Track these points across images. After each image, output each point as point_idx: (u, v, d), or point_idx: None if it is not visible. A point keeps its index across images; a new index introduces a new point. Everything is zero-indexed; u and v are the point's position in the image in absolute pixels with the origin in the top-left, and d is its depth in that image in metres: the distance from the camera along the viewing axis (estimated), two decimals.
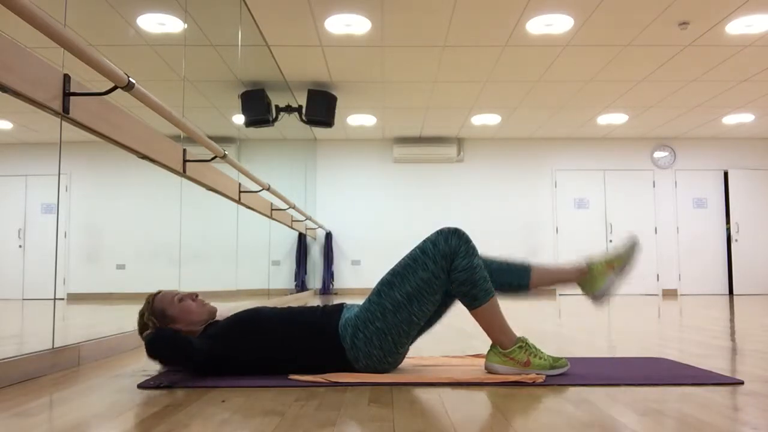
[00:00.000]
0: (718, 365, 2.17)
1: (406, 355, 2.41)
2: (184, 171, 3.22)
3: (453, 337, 3.16)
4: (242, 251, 5.23)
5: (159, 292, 2.03)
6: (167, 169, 3.04)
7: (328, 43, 5.91)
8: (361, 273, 9.98)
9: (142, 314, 2.00)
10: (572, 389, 1.72)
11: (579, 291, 2.06)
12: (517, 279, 2.06)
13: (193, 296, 2.04)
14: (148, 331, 1.95)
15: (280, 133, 7.23)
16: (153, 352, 1.80)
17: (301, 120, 7.09)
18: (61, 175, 2.26)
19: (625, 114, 8.66)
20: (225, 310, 2.18)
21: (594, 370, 2.02)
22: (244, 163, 4.91)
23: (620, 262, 2.05)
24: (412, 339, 1.98)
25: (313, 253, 10.07)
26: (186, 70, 3.64)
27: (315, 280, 10.02)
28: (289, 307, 2.03)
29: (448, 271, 1.90)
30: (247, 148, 5.90)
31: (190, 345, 1.82)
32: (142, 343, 1.98)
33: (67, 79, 2.05)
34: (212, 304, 2.07)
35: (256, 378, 1.85)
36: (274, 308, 2.02)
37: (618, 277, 2.03)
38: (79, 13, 2.50)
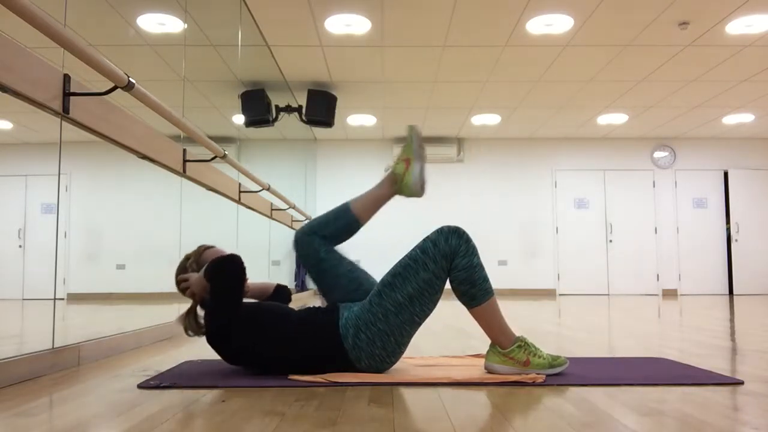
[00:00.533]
0: (718, 365, 2.17)
1: (406, 356, 2.41)
2: (184, 171, 3.22)
3: (453, 337, 3.16)
4: (242, 251, 5.23)
5: (213, 246, 2.14)
6: (167, 169, 3.04)
7: (328, 43, 5.91)
8: None
9: (187, 257, 2.10)
10: (572, 389, 1.72)
11: (403, 198, 2.13)
12: (343, 221, 2.13)
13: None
14: (185, 275, 2.04)
15: (280, 133, 7.23)
16: (218, 272, 1.90)
17: (301, 120, 7.08)
18: (61, 175, 2.26)
19: (625, 114, 8.66)
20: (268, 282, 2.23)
21: (594, 370, 2.02)
22: (244, 163, 4.91)
23: (410, 151, 2.13)
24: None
25: None
26: (186, 70, 3.63)
27: None
28: (289, 307, 2.03)
29: (448, 271, 1.90)
30: (247, 148, 5.90)
31: (241, 296, 1.92)
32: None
33: (67, 79, 2.05)
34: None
35: (256, 378, 1.85)
36: (293, 310, 2.01)
37: (419, 162, 2.11)
38: (79, 13, 2.50)
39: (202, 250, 2.12)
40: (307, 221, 2.28)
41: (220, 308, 1.91)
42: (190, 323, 2.04)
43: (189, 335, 2.06)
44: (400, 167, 2.12)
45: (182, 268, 2.09)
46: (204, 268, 1.97)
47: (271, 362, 1.91)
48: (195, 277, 2.02)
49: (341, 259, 2.08)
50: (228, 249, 2.16)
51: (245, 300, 2.01)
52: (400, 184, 2.12)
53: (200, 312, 2.05)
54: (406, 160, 2.12)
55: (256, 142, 6.31)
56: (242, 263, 1.95)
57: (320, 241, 2.08)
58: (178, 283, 2.07)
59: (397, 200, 9.61)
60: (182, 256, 2.13)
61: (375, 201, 2.14)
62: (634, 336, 3.22)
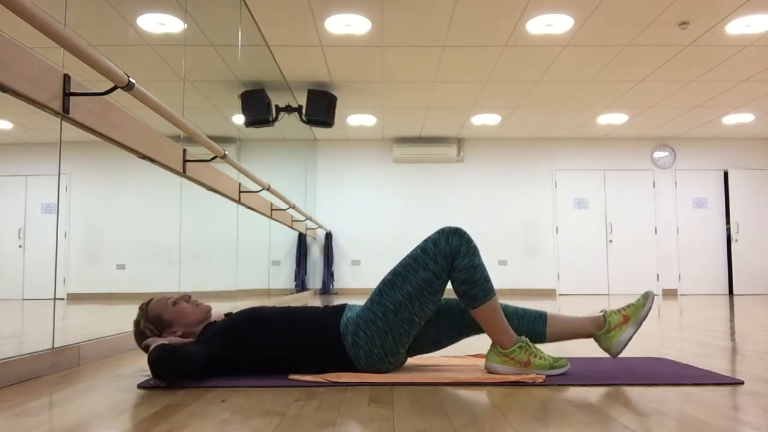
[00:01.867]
0: (718, 365, 2.17)
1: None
2: (184, 171, 3.22)
3: None
4: (242, 251, 5.23)
5: (151, 300, 2.01)
6: (167, 169, 3.04)
7: (328, 43, 5.91)
8: (361, 273, 9.98)
9: (137, 323, 1.96)
10: (572, 389, 1.72)
11: (595, 343, 2.07)
12: (532, 327, 2.05)
13: (186, 298, 2.02)
14: (148, 341, 1.92)
15: (280, 133, 7.23)
16: (160, 374, 1.74)
17: (301, 120, 7.09)
18: (61, 175, 2.26)
19: (625, 114, 8.66)
20: (225, 310, 2.18)
21: (594, 370, 2.02)
22: (244, 163, 4.91)
23: (635, 314, 2.05)
24: (413, 340, 1.98)
25: (313, 253, 10.07)
26: (186, 70, 3.63)
27: (315, 280, 10.02)
28: (289, 307, 2.03)
29: (449, 271, 1.90)
30: (247, 148, 5.90)
31: (191, 358, 1.77)
32: (143, 350, 1.97)
33: (67, 79, 2.05)
34: (206, 303, 2.06)
35: (256, 378, 1.85)
36: (274, 307, 2.01)
37: (634, 329, 2.04)
38: (79, 13, 2.50)
39: (145, 308, 1.98)
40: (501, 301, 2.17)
41: (196, 373, 1.82)
42: None
43: None
44: (616, 319, 2.05)
45: (138, 333, 1.96)
46: (150, 373, 1.79)
47: (271, 362, 1.91)
48: (152, 349, 1.84)
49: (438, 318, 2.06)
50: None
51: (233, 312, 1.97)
52: (605, 334, 2.04)
53: None
54: (625, 317, 2.05)
55: (256, 142, 6.30)
56: (168, 358, 1.73)
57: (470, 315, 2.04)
58: (144, 350, 1.95)
59: (396, 200, 9.64)
60: (132, 326, 1.99)
61: (571, 332, 2.06)
62: (634, 336, 3.22)
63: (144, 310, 1.98)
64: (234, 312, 2.07)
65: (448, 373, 1.95)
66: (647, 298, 2.06)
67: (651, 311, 2.03)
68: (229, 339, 1.89)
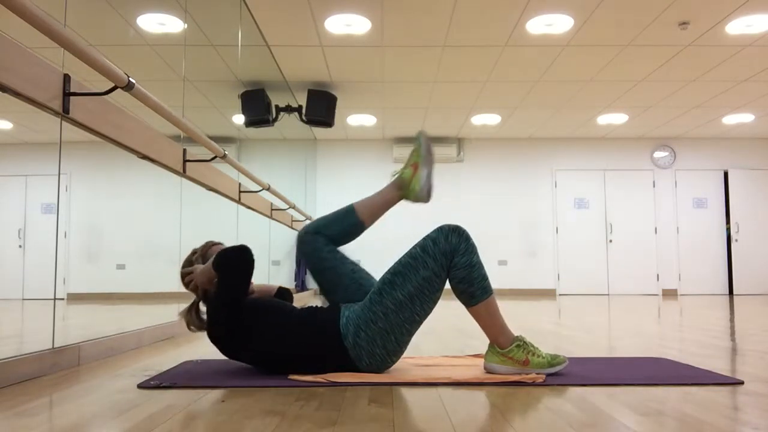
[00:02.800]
0: (718, 365, 2.17)
1: (406, 355, 2.41)
2: (184, 171, 3.22)
3: (453, 337, 3.16)
4: None
5: (221, 243, 2.15)
6: (167, 169, 3.04)
7: (328, 43, 5.91)
8: None
9: (194, 252, 2.10)
10: (572, 389, 1.72)
11: (409, 203, 2.13)
12: (347, 222, 2.11)
13: None
14: (191, 268, 2.04)
15: (280, 133, 7.23)
16: (228, 261, 1.89)
17: (301, 120, 7.09)
18: (61, 175, 2.26)
19: (625, 114, 8.66)
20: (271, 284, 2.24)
21: (594, 370, 2.02)
22: (244, 163, 4.91)
23: (418, 156, 2.12)
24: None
25: None
26: (186, 70, 3.63)
27: None
28: (291, 306, 2.03)
29: (448, 269, 1.90)
30: (247, 148, 5.90)
31: (248, 287, 1.92)
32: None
33: (67, 79, 2.05)
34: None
35: (256, 378, 1.85)
36: (295, 308, 2.01)
37: (426, 168, 2.10)
38: (79, 13, 2.50)
39: (210, 245, 2.13)
40: (311, 221, 2.30)
41: (223, 300, 1.91)
42: (192, 318, 2.04)
43: (191, 330, 2.06)
44: (407, 172, 2.11)
45: (188, 262, 2.10)
46: (213, 258, 1.96)
47: (270, 359, 1.91)
48: (201, 267, 2.01)
49: (343, 259, 2.08)
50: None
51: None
52: (407, 189, 2.11)
53: (202, 308, 2.05)
54: (414, 165, 2.11)
55: (256, 142, 6.31)
56: (252, 257, 1.95)
57: (323, 241, 2.08)
58: (183, 276, 2.07)
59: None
60: (189, 251, 2.14)
61: (380, 205, 2.13)
62: (634, 336, 3.22)
63: (207, 246, 2.12)
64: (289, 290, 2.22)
65: (448, 373, 1.95)
66: (418, 137, 2.13)
67: (429, 145, 2.09)
68: (254, 314, 1.92)
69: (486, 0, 5.02)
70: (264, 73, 6.22)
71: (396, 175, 2.13)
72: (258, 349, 1.90)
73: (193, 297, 2.10)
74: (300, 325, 1.92)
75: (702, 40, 5.82)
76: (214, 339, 1.95)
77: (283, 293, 2.26)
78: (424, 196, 2.09)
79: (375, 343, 1.88)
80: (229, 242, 2.16)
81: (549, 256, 10.10)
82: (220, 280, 1.93)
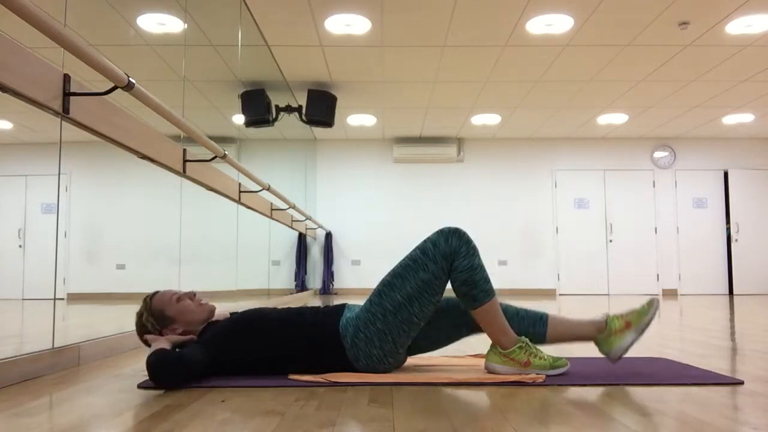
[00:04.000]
0: (718, 365, 2.17)
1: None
2: (184, 171, 3.22)
3: None
4: (242, 251, 5.23)
5: (156, 293, 2.01)
6: (167, 169, 3.04)
7: (328, 43, 5.91)
8: (361, 273, 9.98)
9: (140, 315, 1.96)
10: (572, 389, 1.72)
11: (597, 348, 2.04)
12: (532, 329, 2.04)
13: (191, 295, 2.02)
14: (147, 337, 1.92)
15: (280, 133, 7.23)
16: (157, 382, 1.73)
17: (301, 120, 7.09)
18: (61, 175, 2.26)
19: (625, 114, 8.66)
20: (224, 309, 2.18)
21: (594, 370, 2.02)
22: (244, 163, 4.91)
23: (638, 320, 2.01)
24: (412, 341, 1.98)
25: (313, 253, 10.07)
26: (186, 70, 3.63)
27: (315, 280, 10.02)
28: (289, 308, 2.03)
29: (448, 272, 1.90)
30: (247, 148, 5.90)
31: (189, 365, 1.75)
32: (143, 343, 1.97)
33: (67, 79, 2.05)
34: (211, 303, 2.06)
35: (256, 378, 1.85)
36: (274, 309, 2.01)
37: (635, 335, 2.00)
38: (79, 13, 2.50)
39: (149, 300, 1.98)
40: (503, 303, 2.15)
41: (194, 377, 1.81)
42: None
43: None
44: (617, 324, 2.01)
45: (140, 326, 1.95)
46: (146, 361, 1.77)
47: (270, 362, 1.91)
48: (155, 341, 1.88)
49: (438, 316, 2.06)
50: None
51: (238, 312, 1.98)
52: (606, 338, 2.01)
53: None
54: (628, 323, 2.01)
55: (256, 142, 6.31)
56: (165, 364, 1.72)
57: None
58: (144, 343, 1.95)
59: (396, 200, 9.63)
60: (135, 316, 1.98)
61: (569, 334, 2.04)
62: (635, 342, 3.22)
63: (148, 303, 1.97)
64: (238, 312, 2.07)
65: (448, 373, 1.95)
66: (651, 305, 2.01)
67: (654, 319, 1.97)
68: (229, 339, 1.89)
69: (486, 0, 5.02)
70: (264, 73, 6.22)
71: (605, 317, 2.03)
72: (259, 357, 1.90)
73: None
74: (300, 327, 1.91)
75: (702, 40, 5.82)
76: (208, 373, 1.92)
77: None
78: (615, 356, 2.00)
79: (372, 344, 1.88)
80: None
81: (549, 256, 10.10)
82: (166, 386, 1.76)
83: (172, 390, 1.71)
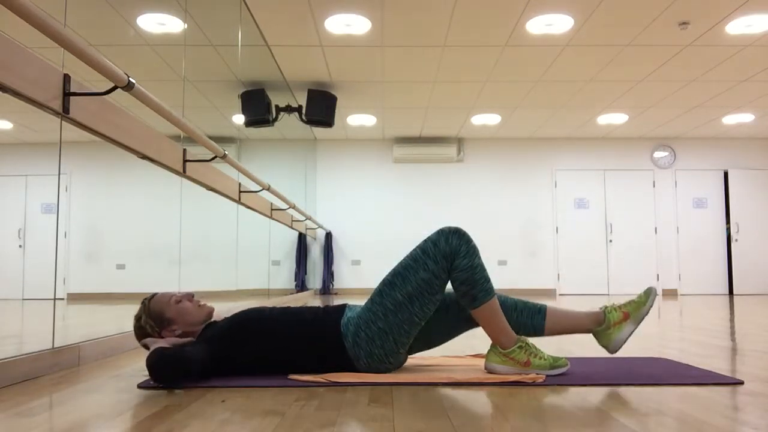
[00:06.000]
0: (718, 365, 2.17)
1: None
2: (184, 171, 3.22)
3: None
4: (242, 251, 5.23)
5: (154, 295, 2.00)
6: (167, 169, 3.04)
7: (328, 43, 5.91)
8: (361, 273, 9.98)
9: (138, 318, 1.96)
10: (572, 389, 1.72)
11: (595, 341, 2.03)
12: (530, 321, 2.04)
13: (190, 297, 2.02)
14: (146, 340, 1.91)
15: (280, 133, 7.23)
16: (158, 379, 1.74)
17: (301, 120, 7.09)
18: (61, 175, 2.26)
19: (625, 114, 8.66)
20: (225, 310, 2.18)
21: (594, 370, 2.02)
22: (244, 163, 4.91)
23: (636, 311, 2.02)
24: (413, 339, 1.98)
25: (313, 253, 10.07)
26: (186, 70, 3.63)
27: (315, 280, 10.02)
28: (289, 307, 2.03)
29: (448, 271, 1.90)
30: (247, 148, 5.91)
31: (190, 362, 1.76)
32: (142, 347, 1.97)
33: (67, 79, 2.05)
34: (209, 304, 2.06)
35: (256, 378, 1.85)
36: (274, 308, 2.01)
37: (633, 326, 2.01)
38: (79, 13, 2.50)
39: (147, 303, 1.98)
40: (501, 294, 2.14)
41: (195, 375, 1.81)
42: None
43: None
44: (615, 315, 2.01)
45: (138, 328, 1.96)
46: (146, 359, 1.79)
47: (270, 362, 1.91)
48: (153, 343, 1.88)
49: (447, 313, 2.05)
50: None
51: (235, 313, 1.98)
52: (603, 330, 2.01)
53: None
54: (625, 313, 2.01)
55: (256, 142, 6.31)
56: (158, 356, 1.73)
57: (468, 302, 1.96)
58: (143, 347, 1.94)
59: (396, 200, 9.64)
60: (133, 320, 1.98)
61: (570, 327, 2.04)
62: (634, 336, 3.22)
63: (146, 305, 1.97)
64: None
65: (448, 373, 1.95)
66: (649, 295, 2.03)
67: (652, 309, 1.99)
68: (229, 339, 1.89)
69: (486, 0, 5.02)
70: (264, 73, 6.23)
71: (602, 309, 2.03)
72: (263, 356, 1.90)
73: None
74: (301, 326, 1.91)
75: (702, 40, 5.82)
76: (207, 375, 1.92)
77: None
78: (614, 348, 2.00)
79: (373, 343, 1.88)
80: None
81: (549, 256, 10.10)
82: (167, 385, 1.77)
83: (173, 389, 1.71)
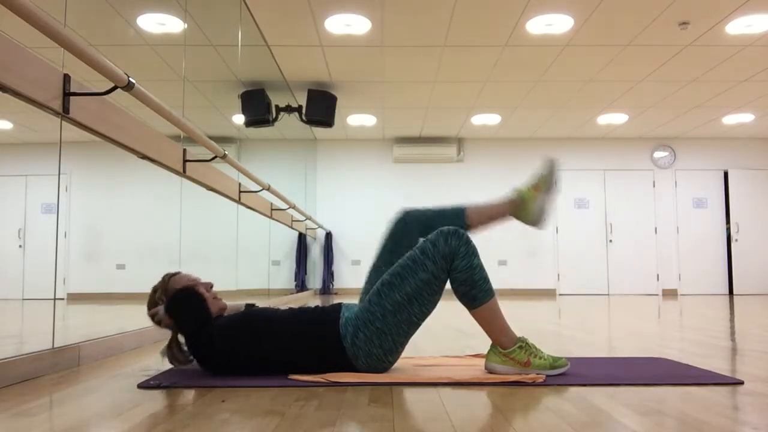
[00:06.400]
0: (718, 365, 2.17)
1: (406, 355, 2.41)
2: (184, 171, 3.22)
3: (453, 337, 3.16)
4: (242, 251, 5.23)
5: (177, 273, 2.05)
6: (167, 169, 3.04)
7: (328, 43, 5.91)
8: (361, 273, 9.98)
9: (155, 290, 2.02)
10: (572, 389, 1.72)
11: (517, 222, 2.12)
12: (453, 223, 2.10)
13: (209, 287, 2.06)
14: (157, 309, 1.98)
15: (280, 133, 7.23)
16: (174, 305, 1.86)
17: (301, 120, 7.09)
18: (61, 175, 2.26)
19: (625, 114, 8.66)
20: (233, 306, 2.20)
21: (594, 370, 2.02)
22: (244, 163, 4.91)
23: (544, 182, 2.09)
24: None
25: (313, 253, 10.07)
26: (186, 70, 3.63)
27: (315, 280, 10.02)
28: (289, 309, 2.03)
29: (448, 272, 1.90)
30: (247, 148, 5.91)
31: (209, 313, 1.88)
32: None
33: (67, 79, 2.05)
34: (224, 300, 2.08)
35: (256, 378, 1.85)
36: (277, 310, 2.02)
37: (547, 196, 2.08)
38: (79, 13, 2.50)
39: (167, 279, 2.04)
40: (417, 208, 2.26)
41: (192, 336, 1.91)
42: (173, 354, 1.99)
43: (176, 366, 2.01)
44: (527, 193, 2.08)
45: (152, 302, 2.02)
46: (165, 304, 1.95)
47: (270, 363, 1.91)
48: (161, 312, 1.98)
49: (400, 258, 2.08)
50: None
51: (234, 313, 2.00)
52: (522, 209, 2.08)
53: (182, 339, 2.00)
54: (536, 187, 2.08)
55: (256, 142, 6.31)
56: (193, 291, 1.92)
57: (418, 233, 2.07)
58: (151, 317, 2.01)
59: (396, 200, 9.66)
60: (150, 289, 2.07)
61: (491, 215, 2.10)
62: (634, 336, 3.22)
63: (165, 281, 2.03)
64: (255, 306, 2.14)
65: (448, 373, 1.95)
66: (548, 163, 2.09)
67: (557, 175, 2.07)
68: (236, 329, 1.90)
69: (486, 0, 5.02)
70: (264, 73, 6.23)
71: (514, 191, 2.09)
72: (256, 356, 1.90)
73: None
74: (299, 326, 1.91)
75: (702, 40, 5.82)
76: (207, 368, 1.94)
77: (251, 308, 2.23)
78: (536, 220, 2.05)
79: (372, 343, 1.88)
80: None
81: (549, 256, 10.10)
82: (176, 323, 1.94)
83: (173, 389, 1.71)
